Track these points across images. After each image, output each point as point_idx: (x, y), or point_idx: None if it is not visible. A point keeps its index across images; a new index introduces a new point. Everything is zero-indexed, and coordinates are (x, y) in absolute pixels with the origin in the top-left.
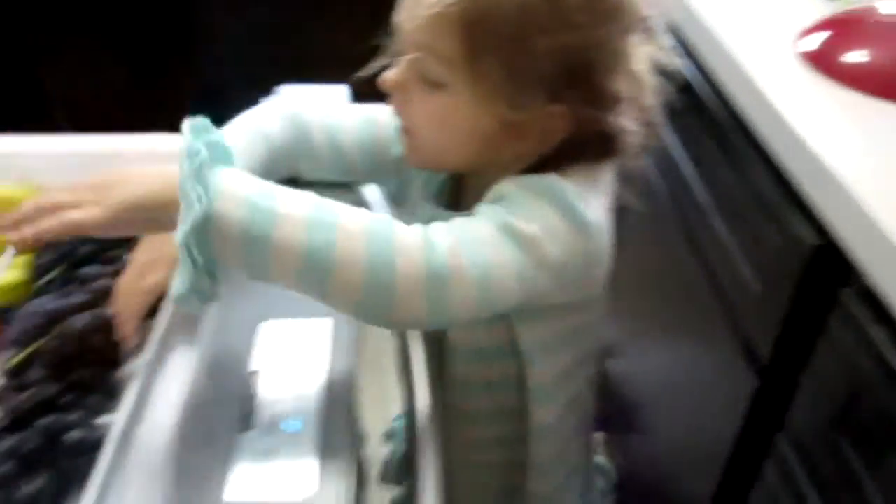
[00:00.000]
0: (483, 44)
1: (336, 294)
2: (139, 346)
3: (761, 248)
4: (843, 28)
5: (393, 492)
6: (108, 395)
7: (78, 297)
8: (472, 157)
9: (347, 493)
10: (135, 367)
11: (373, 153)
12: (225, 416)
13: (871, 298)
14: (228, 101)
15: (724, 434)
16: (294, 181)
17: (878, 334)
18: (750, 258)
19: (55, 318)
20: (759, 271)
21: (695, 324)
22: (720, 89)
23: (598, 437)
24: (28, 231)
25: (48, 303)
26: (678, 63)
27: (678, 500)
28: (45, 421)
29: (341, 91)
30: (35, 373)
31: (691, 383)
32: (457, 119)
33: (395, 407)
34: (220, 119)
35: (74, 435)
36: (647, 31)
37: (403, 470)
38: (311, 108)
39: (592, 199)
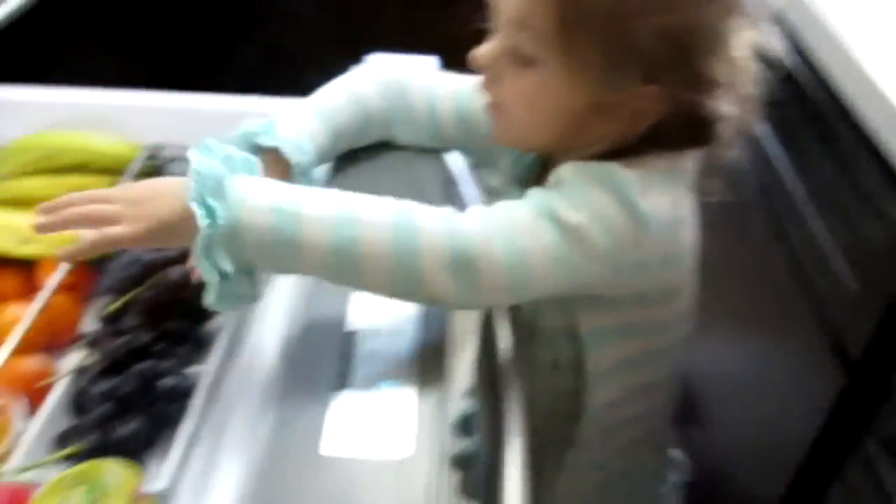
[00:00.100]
0: (579, 20)
1: (368, 284)
2: None
3: (860, 244)
4: None
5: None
6: (197, 346)
7: (173, 250)
8: (558, 137)
9: (442, 456)
10: (223, 322)
11: (468, 123)
12: (322, 374)
13: None
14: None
15: (805, 433)
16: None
17: None
18: (846, 254)
19: (151, 269)
20: (856, 268)
21: (778, 319)
22: (826, 78)
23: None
24: (73, 250)
25: (145, 254)
26: (781, 50)
27: (747, 499)
28: (140, 366)
29: (431, 61)
30: (130, 320)
31: (772, 380)
32: (547, 97)
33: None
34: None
35: (168, 381)
36: (750, 16)
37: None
38: (411, 75)
39: (660, 191)
